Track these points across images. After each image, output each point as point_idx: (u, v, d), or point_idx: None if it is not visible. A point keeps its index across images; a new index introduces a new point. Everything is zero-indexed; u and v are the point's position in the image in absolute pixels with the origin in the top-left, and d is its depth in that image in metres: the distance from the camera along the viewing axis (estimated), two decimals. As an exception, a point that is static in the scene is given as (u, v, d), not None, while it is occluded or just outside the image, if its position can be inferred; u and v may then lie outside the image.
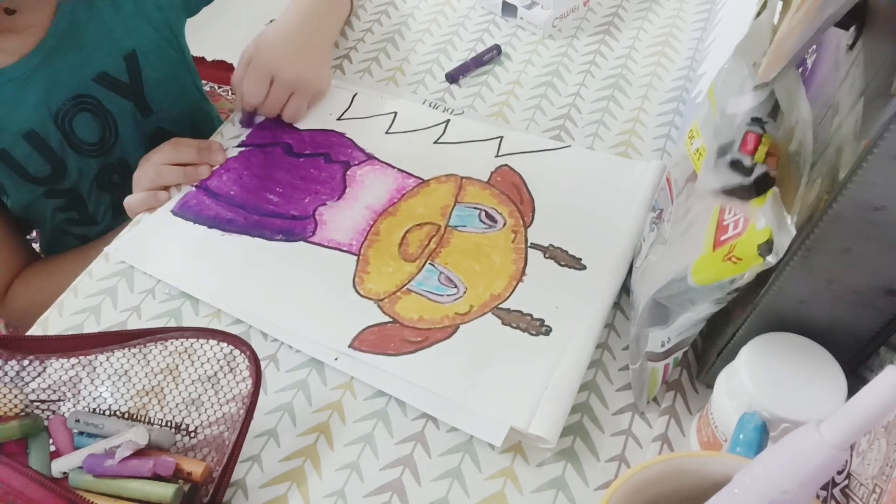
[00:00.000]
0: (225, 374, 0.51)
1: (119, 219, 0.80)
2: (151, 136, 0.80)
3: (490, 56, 0.80)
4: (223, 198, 0.67)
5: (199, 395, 0.51)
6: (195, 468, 0.47)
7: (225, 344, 0.50)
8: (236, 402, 0.50)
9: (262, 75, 0.71)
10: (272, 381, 0.55)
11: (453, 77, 0.78)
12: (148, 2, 0.75)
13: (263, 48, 0.72)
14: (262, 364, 0.55)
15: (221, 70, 1.84)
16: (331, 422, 0.53)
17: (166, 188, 0.68)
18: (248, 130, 0.74)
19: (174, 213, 0.66)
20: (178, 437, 0.51)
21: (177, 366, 0.52)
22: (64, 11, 0.68)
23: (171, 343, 0.51)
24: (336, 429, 0.53)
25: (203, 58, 1.83)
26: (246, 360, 0.49)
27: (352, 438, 0.52)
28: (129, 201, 0.68)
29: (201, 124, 0.87)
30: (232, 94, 1.81)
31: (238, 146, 0.72)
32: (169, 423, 0.51)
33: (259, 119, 0.74)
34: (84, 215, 0.81)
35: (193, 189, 0.68)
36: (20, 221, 0.80)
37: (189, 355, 0.51)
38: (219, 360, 0.51)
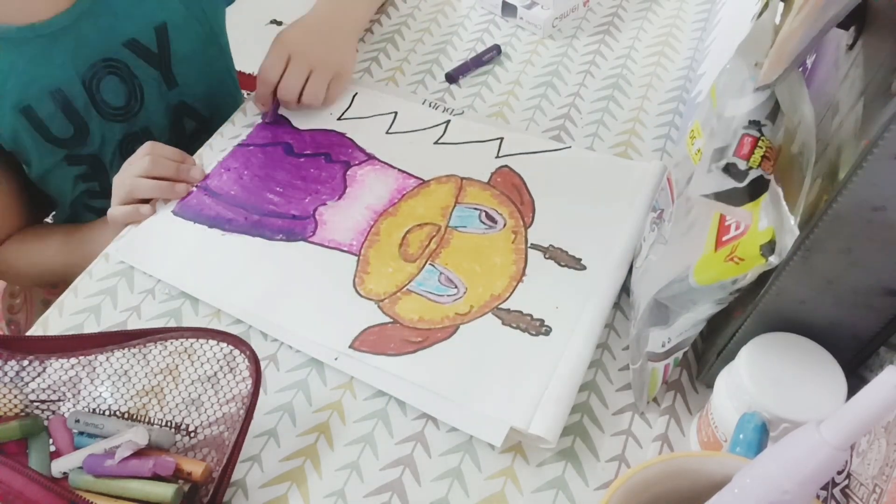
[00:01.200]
0: (225, 374, 0.51)
1: None
2: (175, 108, 0.81)
3: (490, 56, 0.80)
4: (223, 197, 0.67)
5: (199, 395, 0.51)
6: (195, 468, 0.47)
7: (225, 344, 0.50)
8: (236, 402, 0.50)
9: (281, 53, 0.71)
10: (272, 381, 0.55)
11: (453, 77, 0.78)
12: None
13: (285, 32, 0.73)
14: (262, 364, 0.55)
15: (221, 70, 1.84)
16: (331, 422, 0.53)
17: (145, 201, 0.67)
18: (249, 130, 0.73)
19: (175, 213, 0.66)
20: (178, 437, 0.51)
21: (177, 366, 0.52)
22: None
23: (171, 343, 0.51)
24: (336, 429, 0.53)
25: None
26: (246, 361, 0.49)
27: (352, 438, 0.52)
28: (112, 214, 0.68)
29: (224, 106, 0.87)
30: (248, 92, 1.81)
31: (239, 145, 0.72)
32: (169, 423, 0.51)
33: (281, 111, 0.74)
34: (105, 187, 0.80)
35: (194, 189, 0.68)
36: (40, 200, 0.81)
37: (189, 355, 0.51)
38: (219, 361, 0.51)
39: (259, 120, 0.74)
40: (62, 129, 0.73)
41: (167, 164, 0.68)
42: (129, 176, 0.67)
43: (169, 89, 0.79)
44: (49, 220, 0.92)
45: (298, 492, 0.50)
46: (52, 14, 0.68)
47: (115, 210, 0.67)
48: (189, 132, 0.83)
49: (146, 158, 0.67)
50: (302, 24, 0.75)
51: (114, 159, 0.79)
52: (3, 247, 0.76)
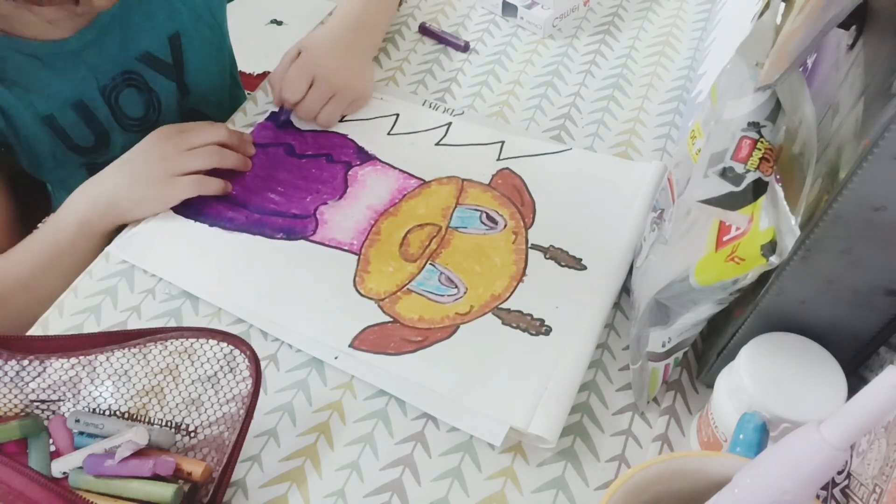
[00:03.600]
0: (225, 374, 0.51)
1: None
2: (187, 115, 0.81)
3: (457, 45, 0.82)
4: (224, 196, 0.67)
5: (199, 395, 0.51)
6: (195, 468, 0.48)
7: (225, 344, 0.50)
8: (236, 402, 0.50)
9: (305, 73, 0.71)
10: (272, 381, 0.55)
11: (425, 30, 0.82)
12: None
13: (310, 48, 0.73)
14: (262, 364, 0.55)
15: (221, 70, 1.84)
16: (331, 422, 0.53)
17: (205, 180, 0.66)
18: (249, 129, 0.73)
19: (175, 210, 0.66)
20: (178, 437, 0.51)
21: (177, 366, 0.52)
22: None
23: (171, 343, 0.51)
24: (336, 429, 0.53)
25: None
26: (246, 360, 0.49)
27: (352, 438, 0.52)
28: (181, 186, 0.65)
29: (229, 108, 0.86)
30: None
31: None
32: (169, 423, 0.51)
33: (291, 118, 0.74)
34: None
35: None
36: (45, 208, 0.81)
37: (189, 355, 0.51)
38: (219, 360, 0.51)
39: (259, 119, 0.74)
40: (84, 138, 0.74)
41: (234, 160, 0.67)
42: (182, 149, 0.65)
43: (182, 98, 0.80)
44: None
45: (298, 492, 0.50)
46: (76, 31, 0.69)
47: (178, 186, 0.65)
48: None
49: (213, 153, 0.66)
50: (327, 44, 0.74)
51: None
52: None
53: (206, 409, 0.51)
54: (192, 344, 0.51)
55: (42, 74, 0.69)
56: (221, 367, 0.51)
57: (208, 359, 0.51)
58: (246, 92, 1.00)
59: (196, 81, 0.80)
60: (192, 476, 0.48)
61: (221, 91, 0.86)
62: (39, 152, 0.73)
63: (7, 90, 0.68)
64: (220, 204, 0.66)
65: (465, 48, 0.81)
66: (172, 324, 0.59)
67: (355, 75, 0.74)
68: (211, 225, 0.64)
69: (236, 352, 0.50)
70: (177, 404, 0.52)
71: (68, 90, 0.71)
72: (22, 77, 0.68)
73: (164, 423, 0.51)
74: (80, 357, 0.51)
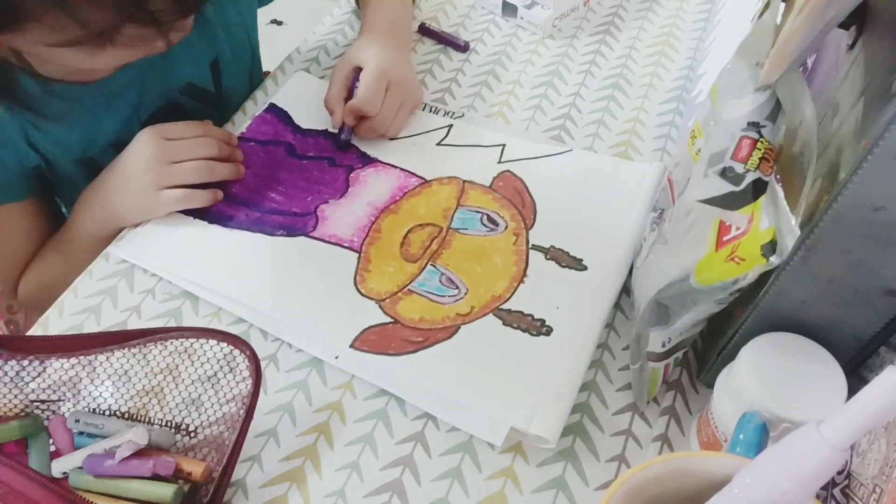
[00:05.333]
0: (225, 374, 0.51)
1: None
2: None
3: (457, 44, 0.81)
4: (225, 195, 0.67)
5: (200, 395, 0.51)
6: (195, 468, 0.48)
7: (225, 344, 0.50)
8: (236, 402, 0.50)
9: (382, 85, 0.68)
10: (272, 381, 0.55)
11: (426, 30, 0.82)
12: (229, 8, 0.73)
13: (373, 59, 0.69)
14: (262, 364, 0.55)
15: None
16: (331, 422, 0.53)
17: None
18: (248, 122, 0.73)
19: None
20: (178, 437, 0.51)
21: (177, 366, 0.52)
22: None
23: (171, 343, 0.51)
24: (336, 429, 0.53)
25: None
26: (246, 360, 0.49)
27: (352, 438, 0.52)
28: (168, 198, 0.63)
29: None
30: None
31: (239, 138, 0.71)
32: (169, 423, 0.51)
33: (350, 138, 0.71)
34: None
35: None
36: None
37: (189, 355, 0.51)
38: (219, 360, 0.51)
39: (258, 116, 0.74)
40: None
41: (224, 172, 0.65)
42: (169, 161, 0.63)
43: (221, 125, 0.76)
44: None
45: (298, 492, 0.50)
46: (114, 69, 0.65)
47: (164, 198, 0.63)
48: None
49: (207, 143, 0.64)
50: (388, 52, 0.71)
51: None
52: (24, 277, 0.73)
53: (206, 409, 0.51)
54: (192, 344, 0.51)
55: (83, 118, 0.66)
56: (221, 367, 0.51)
57: (208, 359, 0.51)
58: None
59: (230, 107, 0.77)
60: (192, 476, 0.48)
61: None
62: (79, 187, 0.69)
63: (46, 136, 0.65)
64: (220, 202, 0.66)
65: (464, 48, 0.81)
66: (172, 324, 0.59)
67: (415, 80, 0.74)
68: (210, 222, 0.64)
69: (236, 352, 0.50)
70: (177, 404, 0.52)
71: (109, 132, 0.68)
72: (61, 121, 0.65)
73: (164, 423, 0.51)
74: (80, 357, 0.51)
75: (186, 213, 0.65)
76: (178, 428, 0.51)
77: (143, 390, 0.52)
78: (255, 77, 0.84)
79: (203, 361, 0.51)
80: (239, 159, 0.68)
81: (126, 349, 0.51)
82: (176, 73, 0.71)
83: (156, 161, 0.62)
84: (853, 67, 0.42)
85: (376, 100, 0.68)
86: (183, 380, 0.52)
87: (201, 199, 0.64)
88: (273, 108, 0.74)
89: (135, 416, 0.52)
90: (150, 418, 0.52)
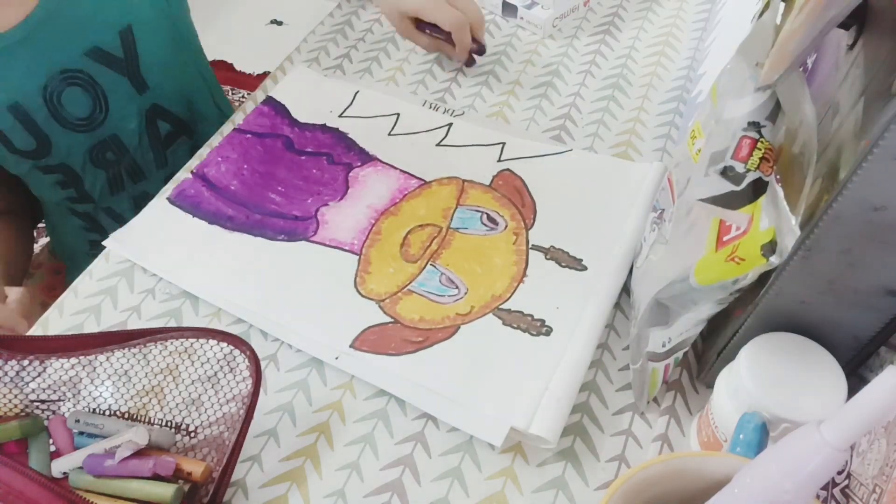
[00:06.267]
0: (225, 374, 0.51)
1: (116, 196, 0.81)
2: (148, 112, 0.79)
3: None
4: (223, 192, 0.67)
5: (200, 395, 0.51)
6: (195, 468, 0.48)
7: (225, 344, 0.50)
8: (236, 402, 0.50)
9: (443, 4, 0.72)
10: (272, 381, 0.55)
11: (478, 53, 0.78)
12: None
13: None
14: (262, 364, 0.55)
15: (222, 70, 1.84)
16: (331, 422, 0.53)
17: None
18: (244, 114, 0.73)
19: (170, 200, 0.66)
20: (179, 437, 0.51)
21: (177, 366, 0.52)
22: None
23: (171, 343, 0.51)
24: (336, 429, 0.53)
25: (203, 58, 1.83)
26: (246, 360, 0.49)
27: (352, 438, 0.52)
28: None
29: (201, 106, 0.86)
30: (231, 93, 1.82)
31: (236, 130, 0.71)
32: (169, 423, 0.51)
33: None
34: (81, 193, 0.79)
35: (190, 175, 0.68)
36: (29, 208, 0.79)
37: (189, 355, 0.51)
38: (219, 361, 0.51)
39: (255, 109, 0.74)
40: (24, 142, 0.72)
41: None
42: None
43: (140, 94, 0.77)
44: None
45: (298, 492, 0.50)
46: (6, 28, 0.66)
47: None
48: (164, 134, 0.82)
49: None
50: None
51: (85, 167, 0.77)
52: None
53: (206, 410, 0.51)
54: (192, 344, 0.51)
55: None
56: (221, 367, 0.51)
57: (208, 359, 0.51)
58: (244, 92, 0.99)
59: (154, 75, 0.76)
60: (193, 476, 0.48)
61: (188, 86, 0.83)
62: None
63: None
64: (220, 200, 0.66)
65: (478, 52, 0.78)
66: (172, 324, 0.59)
67: None
68: (210, 223, 0.64)
69: (236, 352, 0.50)
70: (177, 404, 0.52)
71: (3, 93, 0.68)
72: None
73: (164, 423, 0.51)
74: (80, 357, 0.51)
75: (184, 208, 0.65)
76: (178, 428, 0.51)
77: (143, 390, 0.52)
78: (188, 49, 0.83)
79: (203, 361, 0.51)
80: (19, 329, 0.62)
81: (126, 349, 0.51)
82: (79, 37, 0.70)
83: None
84: (853, 67, 0.42)
85: (452, 13, 0.71)
86: (183, 380, 0.52)
87: None
88: (271, 101, 0.74)
89: (135, 416, 0.52)
90: (150, 418, 0.52)
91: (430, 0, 0.72)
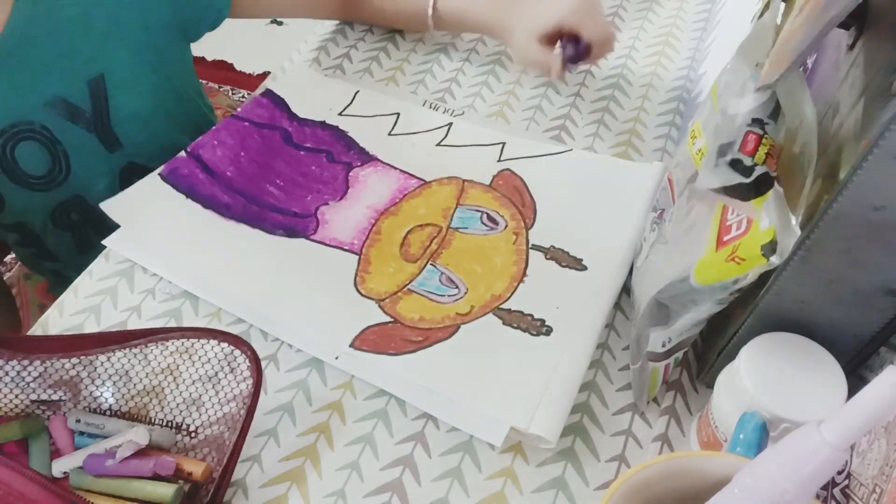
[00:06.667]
0: (226, 375, 0.51)
1: (86, 256, 0.64)
2: (122, 171, 0.71)
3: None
4: (219, 176, 0.66)
5: (200, 396, 0.51)
6: (196, 468, 0.48)
7: (226, 344, 0.50)
8: (237, 402, 0.50)
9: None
10: (272, 381, 0.55)
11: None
12: (130, 22, 0.64)
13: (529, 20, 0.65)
14: (262, 364, 0.55)
15: (222, 70, 1.84)
16: (331, 422, 0.53)
17: None
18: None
19: (163, 177, 0.64)
20: (179, 437, 0.51)
21: (178, 366, 0.52)
22: (17, 24, 0.59)
23: (172, 343, 0.51)
24: (336, 429, 0.53)
25: (203, 57, 1.83)
26: (247, 360, 0.49)
27: (352, 438, 0.52)
28: None
29: None
30: (231, 93, 1.82)
31: (233, 117, 0.70)
32: (170, 423, 0.51)
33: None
34: (44, 252, 0.73)
35: (183, 153, 0.66)
36: None
37: (190, 355, 0.51)
38: (220, 361, 0.51)
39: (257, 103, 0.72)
40: None
41: None
42: None
43: (110, 151, 0.68)
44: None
45: (298, 492, 0.50)
46: None
47: None
48: None
49: None
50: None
51: (45, 228, 0.70)
52: None
53: (206, 410, 0.51)
54: (192, 344, 0.51)
55: None
56: (222, 367, 0.51)
57: (209, 359, 0.51)
58: (244, 92, 0.99)
59: (130, 131, 0.68)
60: (193, 476, 0.48)
61: (177, 141, 0.69)
62: None
63: None
64: (216, 185, 0.65)
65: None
66: (172, 324, 0.59)
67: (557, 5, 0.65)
68: (205, 207, 0.63)
69: (237, 352, 0.50)
70: (177, 404, 0.52)
71: None
72: None
73: (164, 423, 0.51)
74: (81, 357, 0.51)
75: (178, 187, 0.64)
76: (178, 428, 0.51)
77: (143, 390, 0.52)
78: (178, 99, 0.74)
79: (204, 361, 0.51)
80: None
81: (127, 349, 0.51)
82: (40, 86, 0.62)
83: None
84: (853, 67, 0.42)
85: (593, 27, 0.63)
86: (184, 380, 0.52)
87: None
88: (270, 94, 0.73)
89: (135, 417, 0.52)
90: (150, 418, 0.52)
91: (579, 5, 0.62)
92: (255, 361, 0.48)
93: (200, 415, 0.51)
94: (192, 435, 0.51)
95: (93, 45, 0.63)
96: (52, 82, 0.63)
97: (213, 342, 0.50)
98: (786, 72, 0.40)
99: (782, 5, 0.48)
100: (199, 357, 0.51)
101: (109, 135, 0.67)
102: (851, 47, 0.43)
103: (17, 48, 0.60)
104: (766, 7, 0.49)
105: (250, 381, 0.48)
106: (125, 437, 0.48)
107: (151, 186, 0.64)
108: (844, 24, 0.42)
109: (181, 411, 0.52)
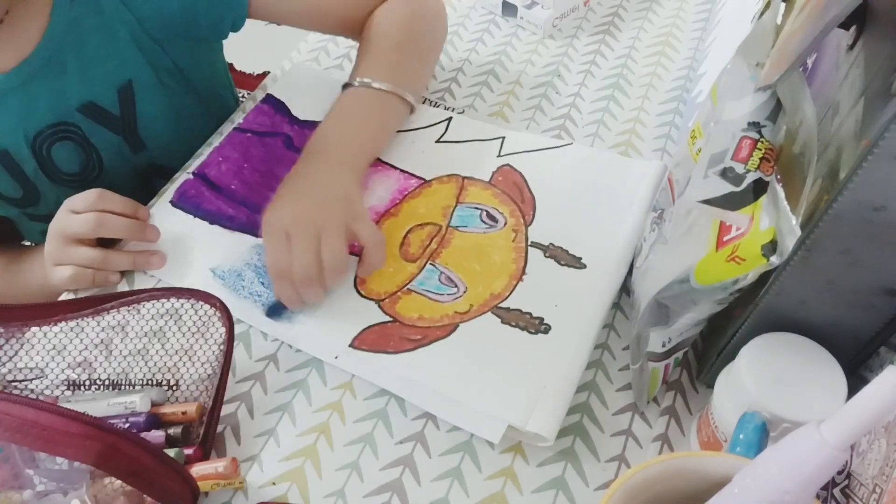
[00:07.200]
0: (208, 328, 0.55)
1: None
2: (143, 170, 0.74)
3: None
4: (224, 191, 0.66)
5: (190, 348, 0.55)
6: (188, 408, 0.51)
7: (195, 300, 0.55)
8: (214, 352, 0.54)
9: (278, 235, 0.56)
10: (272, 381, 0.55)
11: None
12: (142, 33, 0.66)
13: (270, 211, 0.58)
14: (262, 364, 0.56)
15: (221, 70, 1.84)
16: (331, 422, 0.53)
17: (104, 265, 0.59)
18: (244, 113, 0.73)
19: (173, 203, 0.66)
20: (170, 392, 0.54)
21: (160, 327, 0.55)
22: (54, 34, 0.62)
23: (144, 306, 0.55)
24: (336, 429, 0.53)
25: (203, 57, 1.83)
26: (217, 312, 0.54)
27: (352, 438, 0.52)
28: (54, 278, 0.59)
29: None
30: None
31: (236, 129, 0.71)
32: (158, 382, 0.54)
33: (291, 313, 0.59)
34: None
35: (190, 176, 0.67)
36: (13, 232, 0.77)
37: (171, 315, 0.55)
38: (201, 317, 0.55)
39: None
40: (11, 189, 0.68)
41: (117, 225, 0.59)
42: (68, 238, 0.59)
43: (134, 153, 0.72)
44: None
45: (298, 492, 0.50)
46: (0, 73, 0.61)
47: (56, 274, 0.59)
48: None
49: (91, 219, 0.58)
50: (282, 194, 0.60)
51: None
52: None
53: (194, 362, 0.55)
54: (172, 305, 0.55)
55: None
56: (204, 322, 0.55)
57: (190, 316, 0.55)
58: (244, 92, 0.99)
59: (153, 134, 0.71)
60: (187, 415, 0.51)
61: (190, 142, 0.73)
62: None
63: None
64: (220, 199, 0.66)
65: None
66: (172, 323, 0.59)
67: (325, 199, 0.58)
68: (211, 223, 0.64)
69: (206, 306, 0.55)
70: (164, 363, 0.55)
71: None
72: None
73: (152, 383, 0.54)
74: (62, 324, 0.54)
75: (185, 209, 0.65)
76: (168, 385, 0.54)
77: (129, 353, 0.55)
78: (195, 104, 0.75)
79: (185, 321, 0.55)
80: (151, 238, 0.61)
81: (100, 317, 0.55)
82: (73, 91, 0.65)
83: (55, 234, 0.59)
84: (853, 67, 0.42)
85: (278, 254, 0.56)
86: (168, 338, 0.54)
87: (87, 280, 0.59)
88: (270, 99, 0.74)
89: (118, 383, 0.54)
90: (133, 381, 0.54)
91: (275, 227, 0.57)
92: (225, 312, 0.53)
93: (188, 369, 0.55)
94: (178, 388, 0.54)
95: (119, 53, 0.66)
96: (85, 88, 0.66)
97: (188, 300, 0.55)
98: (786, 72, 0.40)
99: (782, 5, 0.48)
100: (182, 317, 0.55)
101: (135, 137, 0.71)
102: (851, 47, 0.43)
103: (56, 54, 0.63)
104: (767, 7, 0.49)
105: (223, 330, 0.53)
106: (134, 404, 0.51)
107: (161, 213, 0.65)
108: (844, 24, 0.42)
109: (168, 369, 0.55)
